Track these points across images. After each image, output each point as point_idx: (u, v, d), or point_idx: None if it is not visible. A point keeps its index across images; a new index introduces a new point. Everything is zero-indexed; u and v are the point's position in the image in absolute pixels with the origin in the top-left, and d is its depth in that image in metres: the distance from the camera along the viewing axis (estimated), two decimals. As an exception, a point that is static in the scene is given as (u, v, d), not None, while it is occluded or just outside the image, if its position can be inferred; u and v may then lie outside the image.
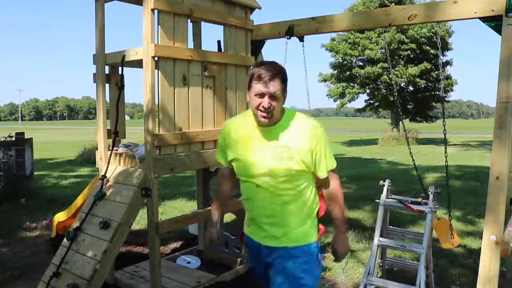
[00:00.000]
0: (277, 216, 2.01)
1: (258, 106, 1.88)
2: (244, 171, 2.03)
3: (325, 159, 2.00)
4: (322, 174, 2.03)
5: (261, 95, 1.87)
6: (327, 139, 2.02)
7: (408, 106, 26.07)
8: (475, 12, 2.80)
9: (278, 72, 1.89)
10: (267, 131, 1.97)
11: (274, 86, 1.86)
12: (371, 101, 27.53)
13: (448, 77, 25.39)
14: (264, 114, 1.88)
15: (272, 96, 1.86)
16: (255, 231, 2.10)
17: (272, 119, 1.92)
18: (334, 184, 2.10)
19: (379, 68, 23.80)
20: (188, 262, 4.14)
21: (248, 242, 2.18)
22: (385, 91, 25.69)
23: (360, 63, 25.62)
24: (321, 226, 2.13)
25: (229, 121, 2.18)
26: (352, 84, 25.85)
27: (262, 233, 2.06)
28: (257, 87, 1.86)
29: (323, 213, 2.16)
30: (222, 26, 3.63)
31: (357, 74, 25.08)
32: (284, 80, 1.91)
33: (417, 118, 27.02)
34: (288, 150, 1.93)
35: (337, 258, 2.20)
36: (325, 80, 26.73)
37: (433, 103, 26.71)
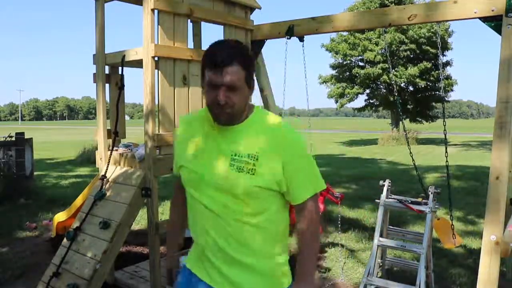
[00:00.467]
0: (230, 252, 1.48)
1: (212, 101, 1.42)
2: (190, 183, 1.55)
3: (301, 178, 1.48)
4: (294, 198, 1.50)
5: (215, 87, 1.40)
6: (307, 150, 1.52)
7: (408, 106, 26.07)
8: (475, 12, 2.80)
9: (236, 54, 1.40)
10: (225, 133, 1.48)
11: (232, 74, 1.38)
12: (371, 101, 27.54)
13: (448, 77, 25.37)
14: (219, 111, 1.42)
15: (230, 87, 1.39)
16: (200, 266, 1.57)
17: (232, 117, 1.45)
18: (310, 217, 1.51)
19: (379, 69, 23.80)
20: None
21: (183, 277, 1.64)
22: (384, 91, 25.70)
23: (361, 63, 25.62)
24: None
25: (182, 117, 1.72)
26: (352, 84, 25.83)
27: (210, 270, 1.53)
28: (209, 75, 1.40)
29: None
30: (222, 26, 3.63)
31: (357, 74, 25.09)
32: (246, 64, 1.42)
33: (417, 118, 27.01)
34: (251, 159, 1.43)
35: None
36: (325, 82, 26.73)
37: (433, 103, 26.70)
